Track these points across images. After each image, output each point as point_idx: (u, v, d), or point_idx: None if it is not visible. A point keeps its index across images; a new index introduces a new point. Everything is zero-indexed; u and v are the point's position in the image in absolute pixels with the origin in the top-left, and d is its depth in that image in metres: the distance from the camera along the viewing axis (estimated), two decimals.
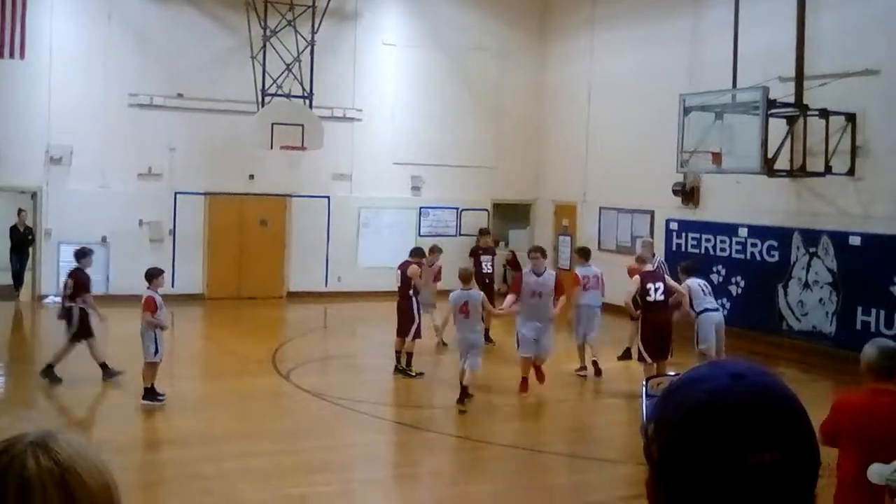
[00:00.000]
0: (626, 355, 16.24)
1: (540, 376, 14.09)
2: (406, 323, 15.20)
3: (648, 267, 14.27)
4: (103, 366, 13.89)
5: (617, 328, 17.27)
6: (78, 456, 1.56)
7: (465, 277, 13.78)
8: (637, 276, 13.97)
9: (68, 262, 20.75)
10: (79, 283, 14.11)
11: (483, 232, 19.97)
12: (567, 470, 11.21)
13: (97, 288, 19.79)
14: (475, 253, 18.83)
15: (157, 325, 12.75)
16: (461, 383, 13.18)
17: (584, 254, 16.54)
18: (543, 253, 14.38)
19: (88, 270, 14.41)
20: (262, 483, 9.81)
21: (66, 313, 13.95)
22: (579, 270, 16.04)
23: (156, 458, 11.14)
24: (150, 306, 12.69)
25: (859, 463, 5.46)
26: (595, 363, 15.38)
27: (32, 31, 20.14)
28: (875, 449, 5.43)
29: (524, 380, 13.98)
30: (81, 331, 13.85)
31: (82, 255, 14.44)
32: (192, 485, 9.70)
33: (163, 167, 22.11)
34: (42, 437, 1.57)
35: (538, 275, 13.79)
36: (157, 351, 12.68)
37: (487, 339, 18.02)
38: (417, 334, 15.23)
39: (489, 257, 18.75)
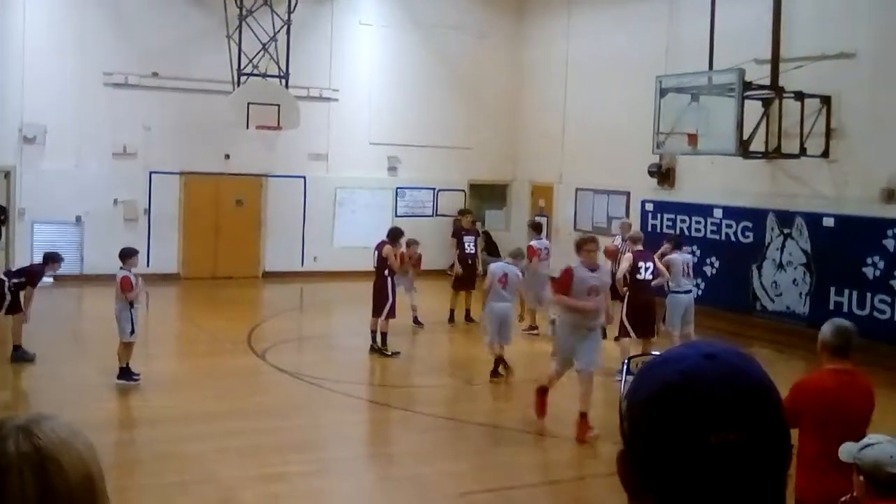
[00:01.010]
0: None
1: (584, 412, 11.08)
2: (380, 302, 15.21)
3: (639, 246, 14.41)
4: (17, 346, 13.79)
5: None
6: (61, 443, 1.53)
7: (517, 255, 14.16)
8: (629, 255, 14.12)
9: (42, 241, 20.84)
10: (31, 274, 14.15)
11: (463, 212, 19.89)
12: (542, 448, 11.26)
13: (72, 268, 19.81)
14: (458, 234, 18.80)
15: (132, 301, 12.69)
16: (498, 356, 13.47)
17: (537, 228, 18.20)
18: (597, 243, 11.68)
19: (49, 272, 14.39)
20: (238, 462, 9.81)
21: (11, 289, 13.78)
22: (535, 243, 17.40)
23: (131, 438, 11.13)
24: (126, 286, 12.64)
25: (819, 443, 5.53)
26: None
27: (6, 9, 19.97)
28: (834, 428, 5.51)
29: (544, 396, 11.61)
30: (13, 306, 13.71)
31: (52, 259, 14.30)
32: (168, 464, 9.68)
33: (137, 146, 21.98)
34: (28, 421, 1.56)
35: (593, 270, 11.23)
36: (132, 331, 12.64)
37: (468, 318, 18.14)
38: (391, 314, 15.22)
39: (472, 238, 18.76)
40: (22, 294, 13.76)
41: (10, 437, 1.52)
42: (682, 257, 14.85)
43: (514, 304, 14.37)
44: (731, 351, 1.47)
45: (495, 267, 13.82)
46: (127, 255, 12.92)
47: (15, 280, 13.92)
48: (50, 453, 1.51)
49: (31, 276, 14.13)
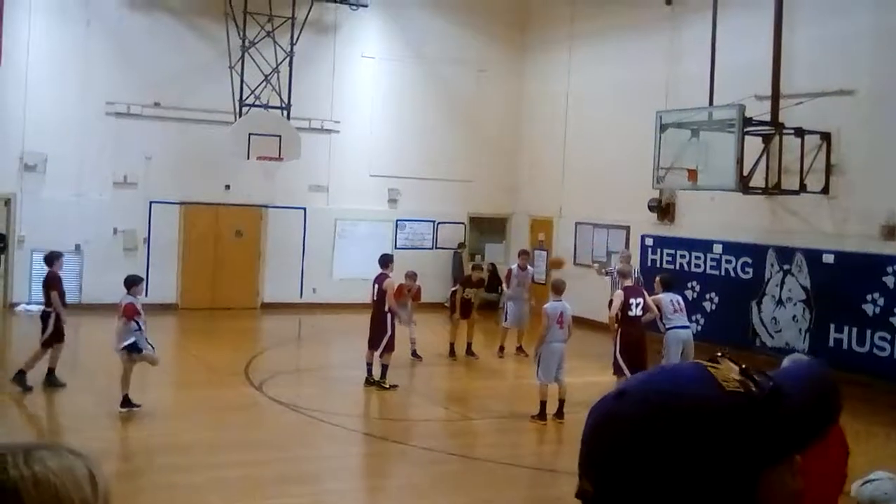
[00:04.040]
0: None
1: None
2: (378, 336, 15.15)
3: (629, 282, 14.36)
4: (50, 371, 13.88)
5: (593, 341, 17.35)
6: (32, 478, 1.42)
7: (559, 289, 13.95)
8: (620, 292, 14.05)
9: (41, 270, 20.74)
10: (47, 282, 14.26)
11: (476, 267, 19.61)
12: (538, 484, 11.19)
13: (71, 297, 19.75)
14: (466, 283, 18.73)
15: (137, 330, 12.73)
16: (560, 398, 13.27)
17: (524, 255, 19.40)
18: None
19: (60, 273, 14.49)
20: (233, 494, 9.76)
21: (42, 317, 14.01)
22: (514, 268, 18.78)
23: (128, 468, 11.05)
24: (130, 312, 12.65)
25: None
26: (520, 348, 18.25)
27: (10, 37, 20.03)
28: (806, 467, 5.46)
29: None
30: (54, 335, 13.79)
31: (54, 258, 14.47)
32: (165, 495, 9.63)
33: (138, 176, 22.02)
34: (18, 449, 1.47)
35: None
36: (142, 349, 12.70)
37: (469, 352, 18.13)
38: (390, 347, 15.16)
39: (474, 291, 18.71)
40: (51, 319, 13.80)
41: None
42: (670, 296, 14.74)
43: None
44: (650, 387, 1.33)
45: (551, 308, 13.58)
46: (133, 282, 13.00)
47: (46, 308, 14.00)
48: (13, 487, 1.41)
49: (48, 283, 14.20)
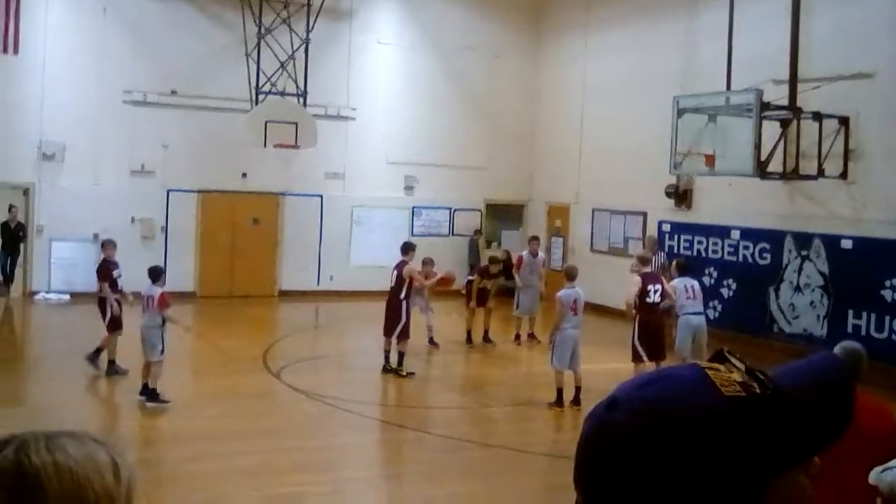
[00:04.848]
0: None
1: None
2: (393, 322, 15.17)
3: (648, 268, 14.32)
4: (111, 361, 14.08)
5: (610, 328, 17.33)
6: (53, 465, 1.42)
7: (572, 276, 13.95)
8: (638, 278, 14.00)
9: (60, 258, 21.01)
10: (98, 271, 14.59)
11: (494, 260, 19.60)
12: (555, 471, 11.18)
13: (89, 286, 19.91)
14: (483, 273, 18.71)
15: (174, 321, 12.80)
16: (576, 385, 13.25)
17: (534, 241, 19.52)
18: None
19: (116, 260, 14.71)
20: (251, 482, 9.79)
21: (99, 304, 14.45)
22: (525, 255, 18.83)
23: (144, 457, 11.08)
24: (166, 303, 12.71)
25: (831, 464, 5.44)
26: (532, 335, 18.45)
27: (27, 26, 20.11)
28: (841, 451, 5.42)
29: None
30: (112, 323, 14.09)
31: (102, 245, 14.99)
32: (183, 484, 9.68)
33: (156, 164, 22.08)
34: (40, 435, 1.48)
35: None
36: (163, 350, 12.65)
37: (487, 339, 18.14)
38: (405, 335, 15.17)
39: (491, 281, 18.68)
40: (107, 306, 14.12)
41: (12, 446, 1.44)
42: (685, 282, 14.69)
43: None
44: (643, 396, 1.26)
45: (565, 294, 13.55)
46: (160, 273, 13.08)
47: (101, 295, 14.38)
48: (34, 471, 1.41)
49: (98, 271, 14.61)
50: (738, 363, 1.29)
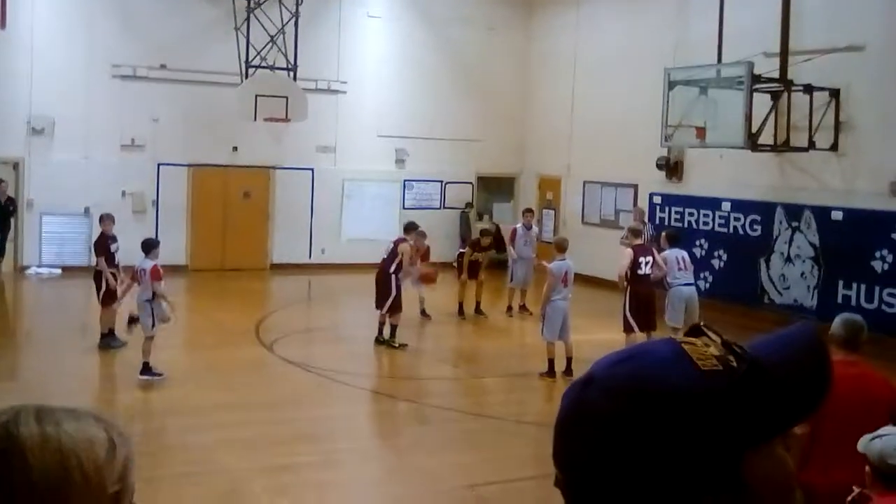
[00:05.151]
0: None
1: None
2: (383, 296, 15.21)
3: (639, 241, 14.39)
4: (110, 332, 14.08)
5: (601, 300, 17.40)
6: (41, 436, 1.39)
7: (562, 248, 13.96)
8: (629, 250, 14.07)
9: (50, 232, 20.97)
10: (95, 245, 14.68)
11: (485, 233, 19.59)
12: (547, 441, 11.23)
13: (80, 259, 19.94)
14: (474, 246, 18.70)
15: (163, 296, 12.76)
16: (567, 356, 13.26)
17: (528, 213, 19.54)
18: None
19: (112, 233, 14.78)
20: (246, 453, 9.84)
21: (95, 277, 14.46)
22: (518, 227, 18.80)
23: (139, 429, 11.11)
24: (158, 275, 12.71)
25: (828, 434, 5.51)
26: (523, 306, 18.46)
27: (14, 0, 19.95)
28: (843, 419, 5.47)
29: None
30: (106, 295, 14.08)
31: (100, 219, 14.92)
32: (177, 455, 9.71)
33: (146, 138, 22.00)
34: (32, 408, 1.45)
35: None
36: (153, 324, 12.65)
37: (478, 311, 18.20)
38: (396, 308, 15.20)
39: (482, 254, 18.69)
40: (102, 279, 14.12)
41: (5, 416, 1.42)
42: (675, 252, 14.77)
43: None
44: (618, 372, 1.25)
45: (556, 266, 13.56)
46: (153, 245, 13.08)
47: (97, 268, 14.41)
48: (18, 444, 1.38)
49: (95, 244, 14.69)
50: (714, 336, 1.27)
